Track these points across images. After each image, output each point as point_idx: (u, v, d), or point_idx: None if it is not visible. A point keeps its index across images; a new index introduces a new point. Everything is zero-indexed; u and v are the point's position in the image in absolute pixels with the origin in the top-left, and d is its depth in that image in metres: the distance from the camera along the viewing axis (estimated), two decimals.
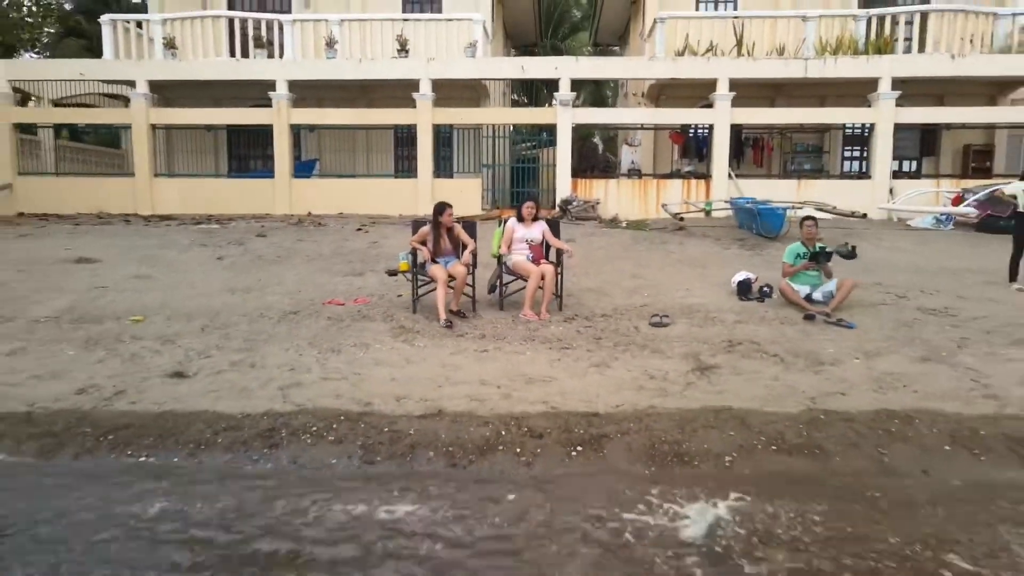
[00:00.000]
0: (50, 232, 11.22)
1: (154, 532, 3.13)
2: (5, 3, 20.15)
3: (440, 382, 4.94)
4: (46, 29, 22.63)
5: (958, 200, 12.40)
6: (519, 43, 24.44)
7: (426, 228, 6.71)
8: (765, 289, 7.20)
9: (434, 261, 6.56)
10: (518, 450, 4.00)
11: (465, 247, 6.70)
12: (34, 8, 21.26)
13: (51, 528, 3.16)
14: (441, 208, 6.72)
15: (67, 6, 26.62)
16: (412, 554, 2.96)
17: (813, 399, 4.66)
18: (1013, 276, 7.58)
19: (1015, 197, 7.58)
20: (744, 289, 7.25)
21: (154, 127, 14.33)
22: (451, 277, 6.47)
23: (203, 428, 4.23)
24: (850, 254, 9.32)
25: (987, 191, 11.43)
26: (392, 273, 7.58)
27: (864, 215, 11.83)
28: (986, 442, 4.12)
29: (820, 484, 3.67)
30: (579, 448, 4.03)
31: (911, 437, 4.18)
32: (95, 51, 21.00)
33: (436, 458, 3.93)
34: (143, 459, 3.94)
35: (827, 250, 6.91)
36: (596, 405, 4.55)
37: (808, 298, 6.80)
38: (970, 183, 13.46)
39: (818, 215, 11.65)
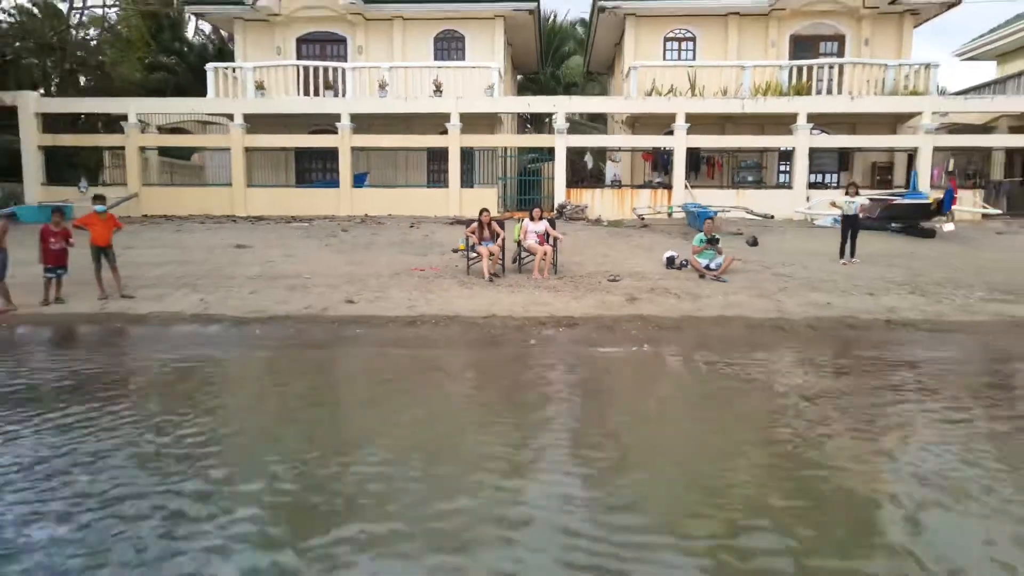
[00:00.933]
0: (191, 228, 15.61)
1: (371, 352, 7.54)
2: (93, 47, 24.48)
3: (490, 305, 9.31)
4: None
5: None
6: (524, 71, 28.88)
7: (474, 224, 11.11)
8: (683, 262, 11.59)
9: (480, 244, 10.94)
10: (532, 328, 8.41)
11: (498, 235, 11.09)
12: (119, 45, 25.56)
13: (338, 353, 7.57)
14: (481, 211, 11.14)
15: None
16: (489, 358, 7.37)
17: (686, 312, 9.06)
18: (841, 255, 11.97)
19: (842, 206, 11.98)
20: (670, 262, 11.64)
21: (247, 149, 18.69)
22: (491, 253, 10.85)
23: (377, 321, 8.64)
24: (754, 243, 13.68)
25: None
26: (455, 251, 11.97)
27: (772, 216, 16.19)
28: (763, 326, 8.54)
29: (678, 343, 8.05)
30: (562, 328, 8.44)
31: (727, 325, 8.60)
32: (168, 82, 25.42)
33: (496, 332, 8.32)
34: (358, 332, 8.34)
35: (717, 237, 11.29)
36: (572, 314, 8.94)
37: (707, 267, 11.16)
38: (870, 192, 17.80)
39: (745, 216, 16.08)
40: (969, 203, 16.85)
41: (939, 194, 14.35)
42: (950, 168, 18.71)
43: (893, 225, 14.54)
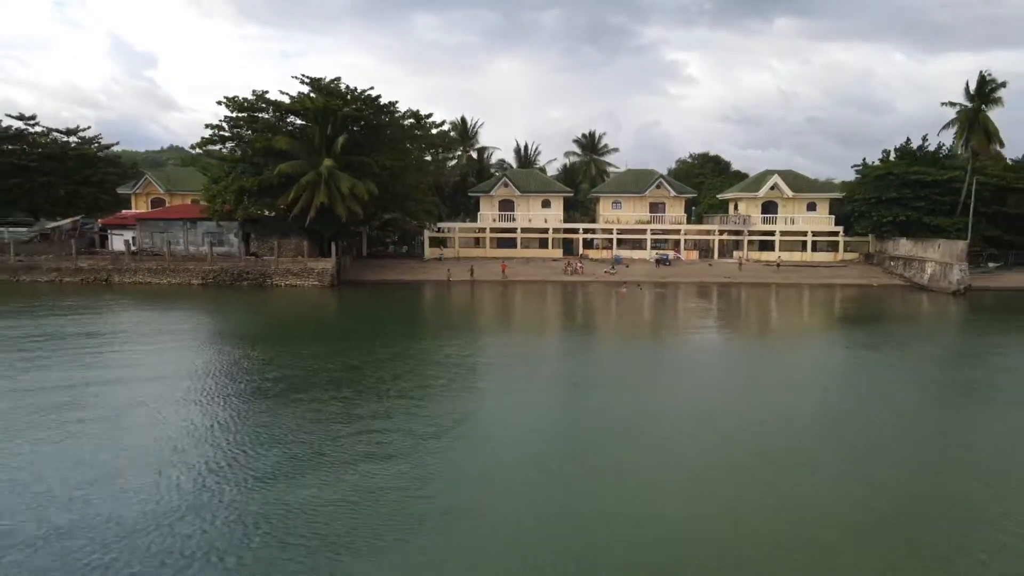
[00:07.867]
0: (486, 262, 61.19)
1: (558, 286, 53.46)
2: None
3: (569, 279, 55.02)
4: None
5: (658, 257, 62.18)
6: (565, 194, 74.92)
7: (566, 260, 56.97)
8: (606, 270, 57.19)
9: (568, 265, 56.71)
10: (578, 284, 54.31)
11: (572, 263, 56.87)
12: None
13: None
14: (567, 257, 57.15)
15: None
16: (569, 288, 53.38)
17: (603, 279, 54.83)
18: (657, 265, 57.58)
19: (648, 257, 57.46)
20: (605, 272, 57.31)
21: (490, 237, 64.42)
22: (573, 268, 56.49)
23: (549, 281, 54.55)
24: (627, 266, 59.10)
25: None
26: (564, 269, 57.60)
27: (634, 258, 61.34)
28: (617, 283, 54.40)
29: (603, 285, 53.78)
30: (582, 284, 54.29)
31: (611, 283, 54.44)
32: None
33: (571, 284, 54.09)
34: (552, 284, 54.17)
35: (615, 265, 56.90)
36: (585, 279, 54.69)
37: (612, 271, 56.62)
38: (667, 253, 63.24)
39: (625, 258, 62.68)
40: (690, 255, 62.54)
41: (669, 252, 59.78)
42: (684, 245, 64.40)
43: (650, 260, 60.06)
